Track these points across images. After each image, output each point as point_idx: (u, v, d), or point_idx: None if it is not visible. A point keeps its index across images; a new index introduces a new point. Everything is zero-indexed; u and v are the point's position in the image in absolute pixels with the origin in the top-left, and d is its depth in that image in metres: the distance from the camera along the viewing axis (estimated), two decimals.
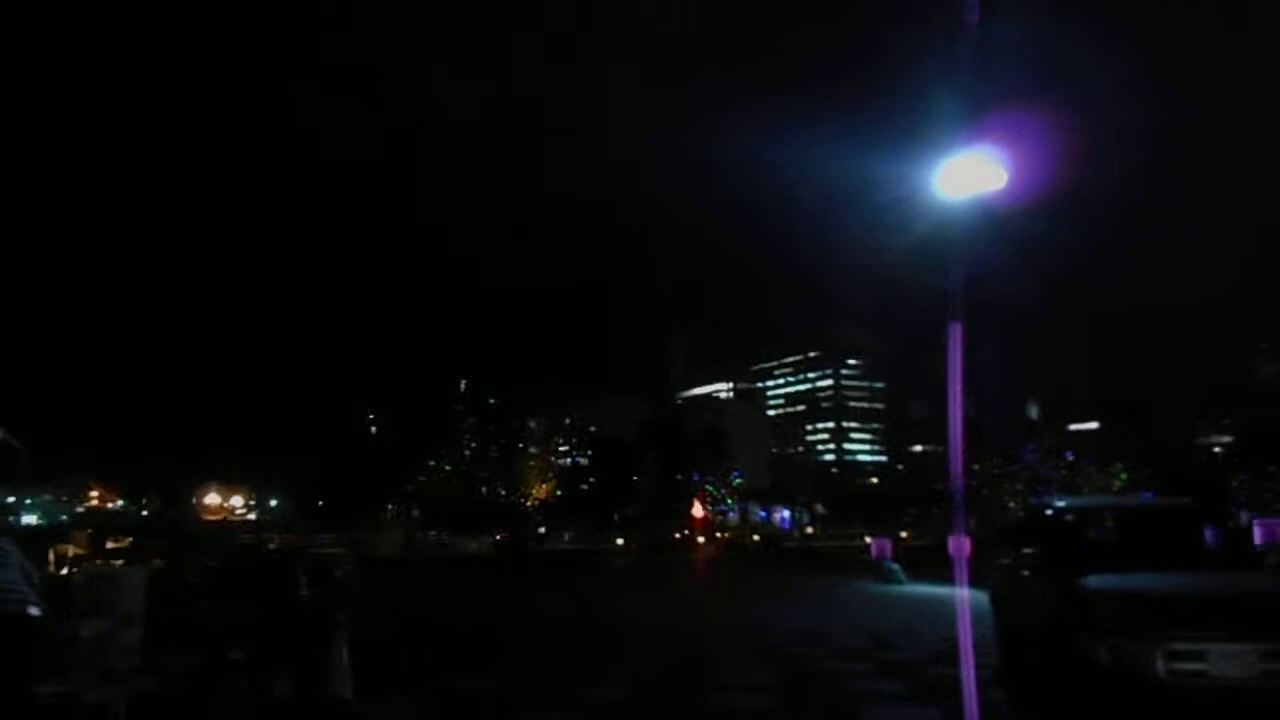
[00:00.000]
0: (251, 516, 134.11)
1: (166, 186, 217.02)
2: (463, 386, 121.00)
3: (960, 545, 34.61)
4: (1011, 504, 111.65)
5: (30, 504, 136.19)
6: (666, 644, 21.94)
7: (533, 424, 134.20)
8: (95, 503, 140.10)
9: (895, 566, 49.21)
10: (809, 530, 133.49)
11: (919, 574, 45.65)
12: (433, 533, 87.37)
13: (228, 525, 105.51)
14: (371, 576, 52.33)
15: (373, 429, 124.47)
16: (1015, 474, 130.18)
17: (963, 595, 10.73)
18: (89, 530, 79.44)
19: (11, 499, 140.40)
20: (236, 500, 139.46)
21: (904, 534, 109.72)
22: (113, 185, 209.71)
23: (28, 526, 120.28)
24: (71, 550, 63.29)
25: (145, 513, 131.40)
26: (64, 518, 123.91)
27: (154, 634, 11.35)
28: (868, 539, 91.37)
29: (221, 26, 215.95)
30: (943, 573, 36.21)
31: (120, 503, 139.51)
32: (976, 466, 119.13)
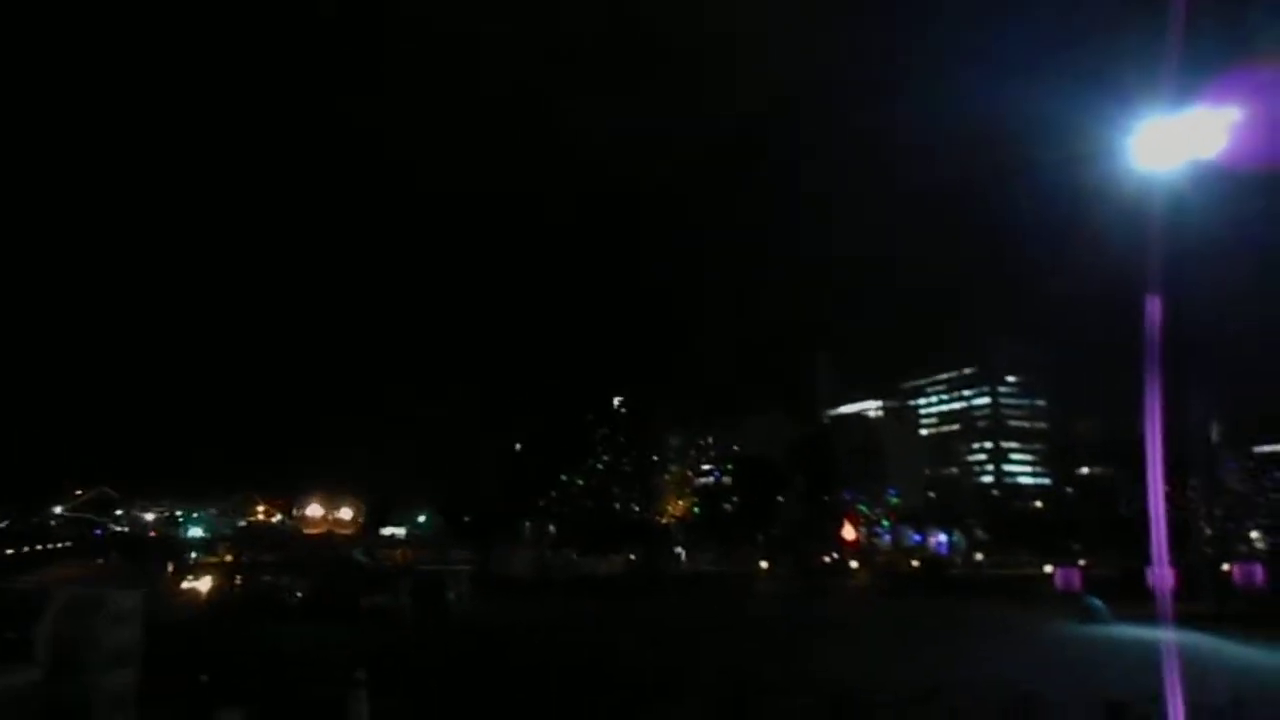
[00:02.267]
0: (400, 533, 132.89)
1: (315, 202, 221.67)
2: (614, 401, 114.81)
3: (1162, 578, 26.74)
4: (1208, 531, 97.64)
5: (196, 518, 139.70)
6: None
7: (673, 440, 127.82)
8: (260, 517, 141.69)
9: (1098, 604, 40.46)
10: (977, 557, 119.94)
11: (1117, 611, 37.45)
12: (562, 551, 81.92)
13: (331, 539, 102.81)
14: (491, 598, 47.15)
15: (515, 443, 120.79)
16: (1212, 499, 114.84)
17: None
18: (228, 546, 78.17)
19: (180, 512, 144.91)
20: (345, 512, 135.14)
21: (1082, 563, 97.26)
22: (264, 193, 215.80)
23: (189, 539, 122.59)
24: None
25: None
26: (226, 531, 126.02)
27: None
28: (1047, 568, 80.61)
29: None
30: (1144, 609, 28.70)
31: (278, 517, 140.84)
32: (1168, 488, 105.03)
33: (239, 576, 49.14)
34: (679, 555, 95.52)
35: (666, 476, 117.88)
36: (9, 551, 71.05)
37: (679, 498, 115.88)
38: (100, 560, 70.25)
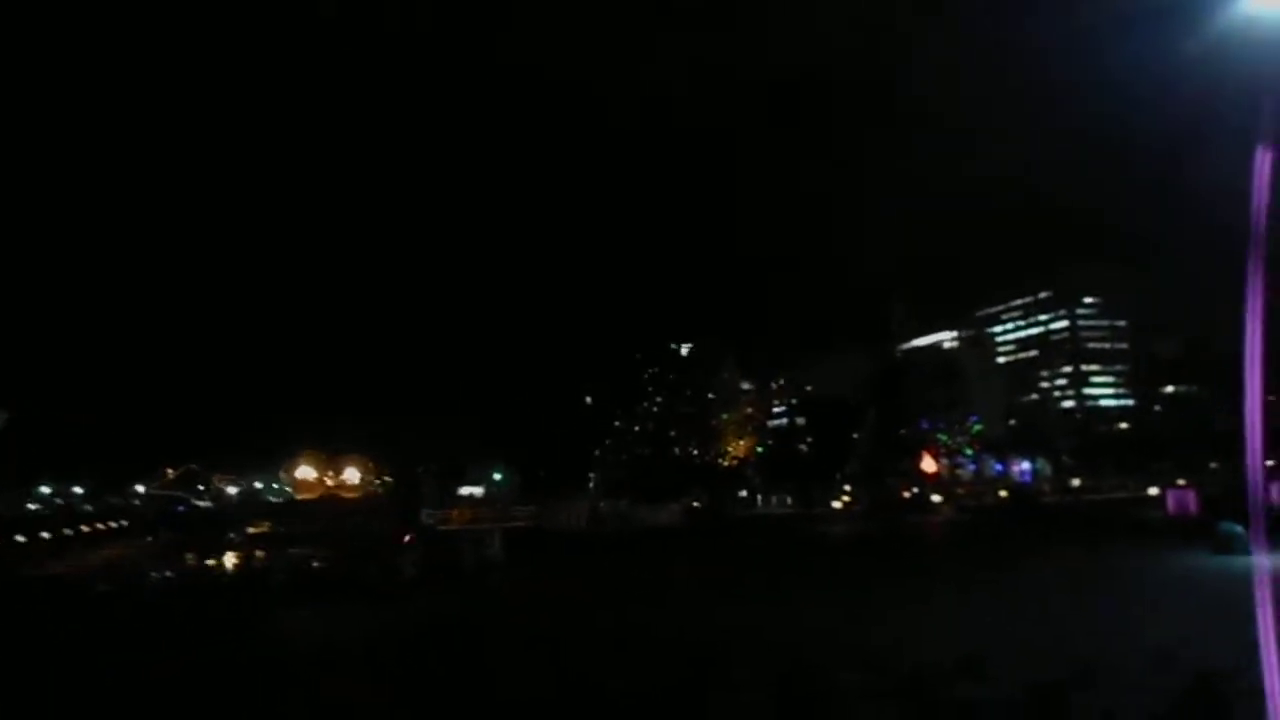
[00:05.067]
0: (478, 492, 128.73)
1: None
2: (670, 344, 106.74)
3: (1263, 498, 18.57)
4: None
5: (275, 488, 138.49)
6: None
7: (744, 384, 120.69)
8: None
9: (1237, 529, 32.63)
10: (1073, 483, 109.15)
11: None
12: (609, 503, 75.59)
13: (336, 501, 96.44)
14: (531, 557, 41.46)
15: (585, 395, 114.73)
16: None
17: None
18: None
19: (260, 484, 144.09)
20: (352, 473, 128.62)
21: (1181, 483, 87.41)
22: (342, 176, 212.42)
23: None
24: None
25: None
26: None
27: None
28: (1152, 490, 71.84)
29: None
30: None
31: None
32: (1273, 398, 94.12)
33: (261, 550, 44.37)
34: (745, 498, 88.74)
35: (725, 416, 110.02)
36: (45, 534, 68.15)
37: (740, 438, 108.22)
38: (150, 539, 66.86)
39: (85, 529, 77.77)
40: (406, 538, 44.82)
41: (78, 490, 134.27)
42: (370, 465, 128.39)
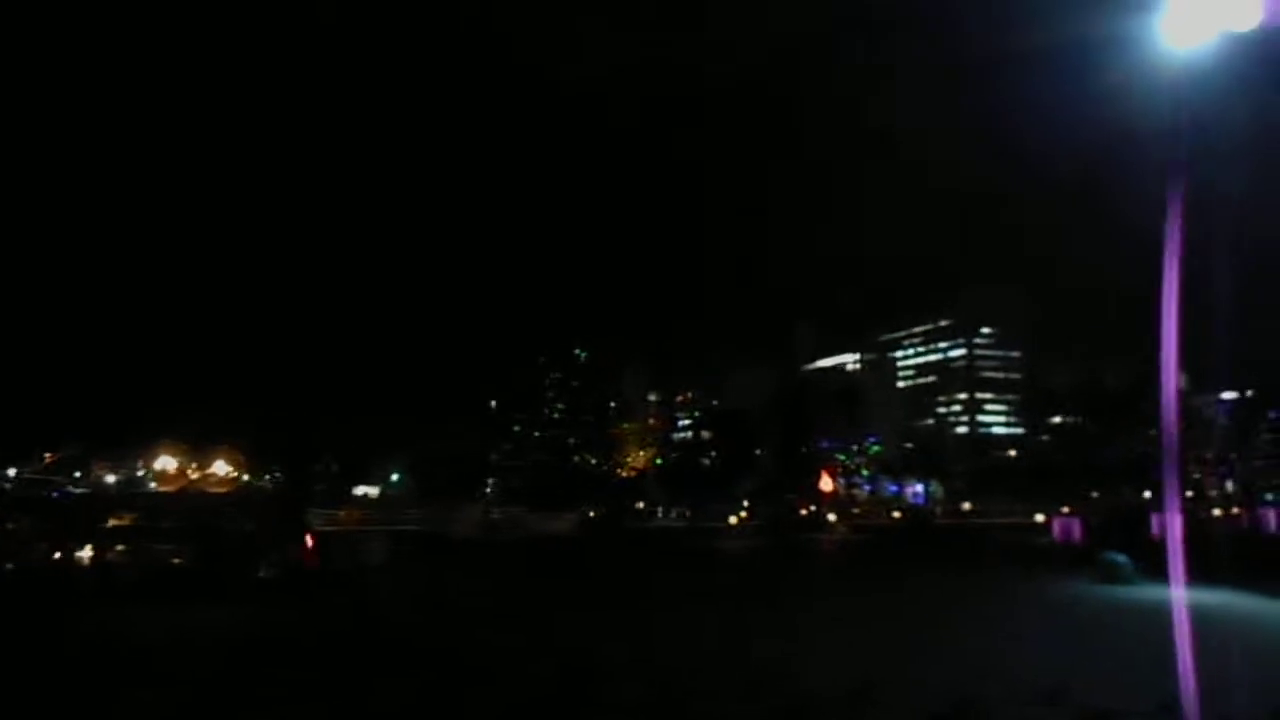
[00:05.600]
0: (373, 492, 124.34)
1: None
2: (574, 350, 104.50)
3: (1173, 525, 21.25)
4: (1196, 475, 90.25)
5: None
6: None
7: (651, 396, 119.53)
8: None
9: (1121, 559, 32.69)
10: (964, 506, 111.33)
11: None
12: (503, 510, 73.54)
13: (204, 496, 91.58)
14: (408, 563, 39.24)
15: (487, 397, 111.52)
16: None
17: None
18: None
19: (142, 472, 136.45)
20: (221, 466, 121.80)
21: (1065, 509, 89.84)
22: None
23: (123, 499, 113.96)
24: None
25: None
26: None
27: None
28: (1039, 516, 73.13)
29: None
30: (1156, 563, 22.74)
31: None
32: (1153, 432, 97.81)
33: (120, 544, 40.86)
34: (642, 510, 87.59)
35: (626, 426, 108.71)
36: None
37: (641, 449, 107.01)
38: (9, 525, 61.62)
39: None
40: (307, 539, 41.82)
41: None
42: (243, 459, 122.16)
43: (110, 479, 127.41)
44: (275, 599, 28.87)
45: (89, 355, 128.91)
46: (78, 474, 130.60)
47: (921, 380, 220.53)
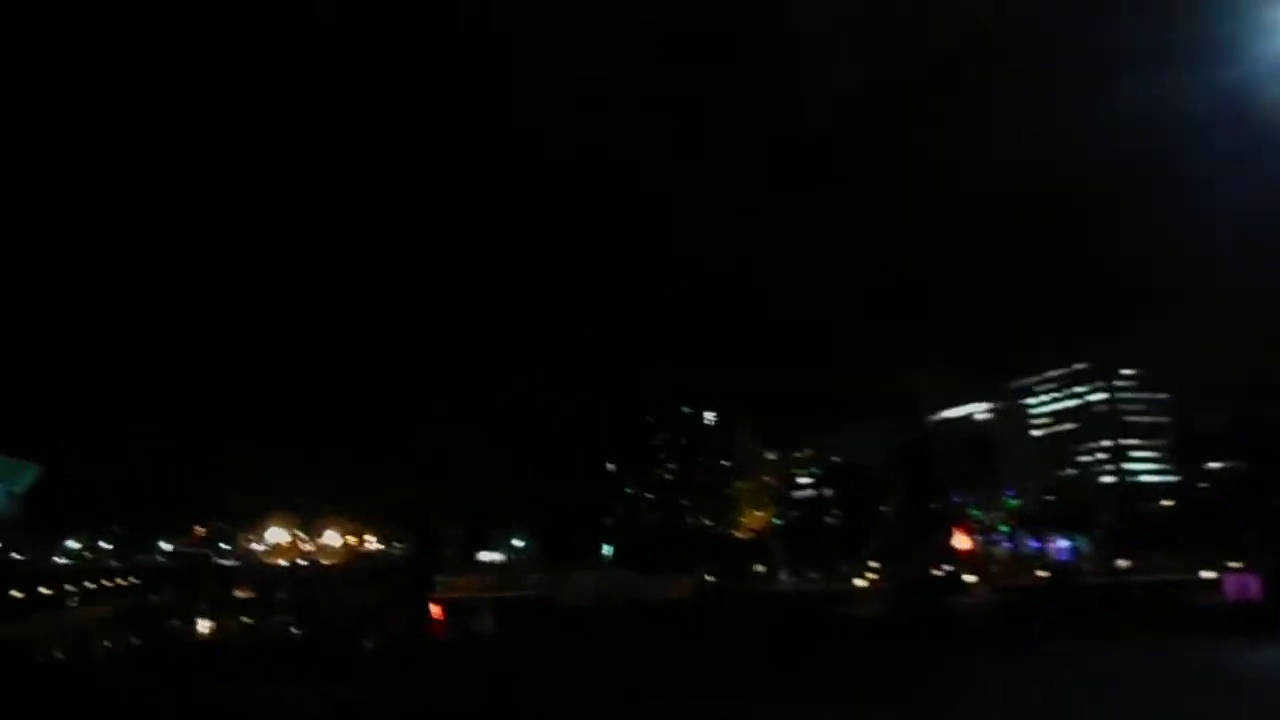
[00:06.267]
0: (498, 558, 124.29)
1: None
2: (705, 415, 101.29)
3: None
4: None
5: None
6: None
7: (768, 454, 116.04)
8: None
9: None
10: (1118, 564, 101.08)
11: None
12: (617, 574, 71.00)
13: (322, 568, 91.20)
14: (521, 630, 37.65)
15: (605, 459, 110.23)
16: None
17: None
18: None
19: None
20: (332, 536, 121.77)
21: (1238, 566, 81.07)
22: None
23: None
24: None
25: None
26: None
27: None
28: (1206, 573, 66.11)
29: None
30: None
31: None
32: None
33: (243, 616, 41.29)
34: (762, 572, 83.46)
35: (739, 485, 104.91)
36: (16, 594, 65.35)
37: (757, 509, 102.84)
38: (153, 597, 63.93)
39: (90, 585, 75.37)
40: (432, 609, 41.17)
41: (105, 545, 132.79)
42: (366, 528, 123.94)
43: (258, 548, 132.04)
44: (379, 675, 27.66)
45: (233, 435, 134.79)
46: (225, 546, 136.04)
47: (1059, 428, 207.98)
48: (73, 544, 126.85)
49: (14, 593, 63.70)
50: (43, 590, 69.20)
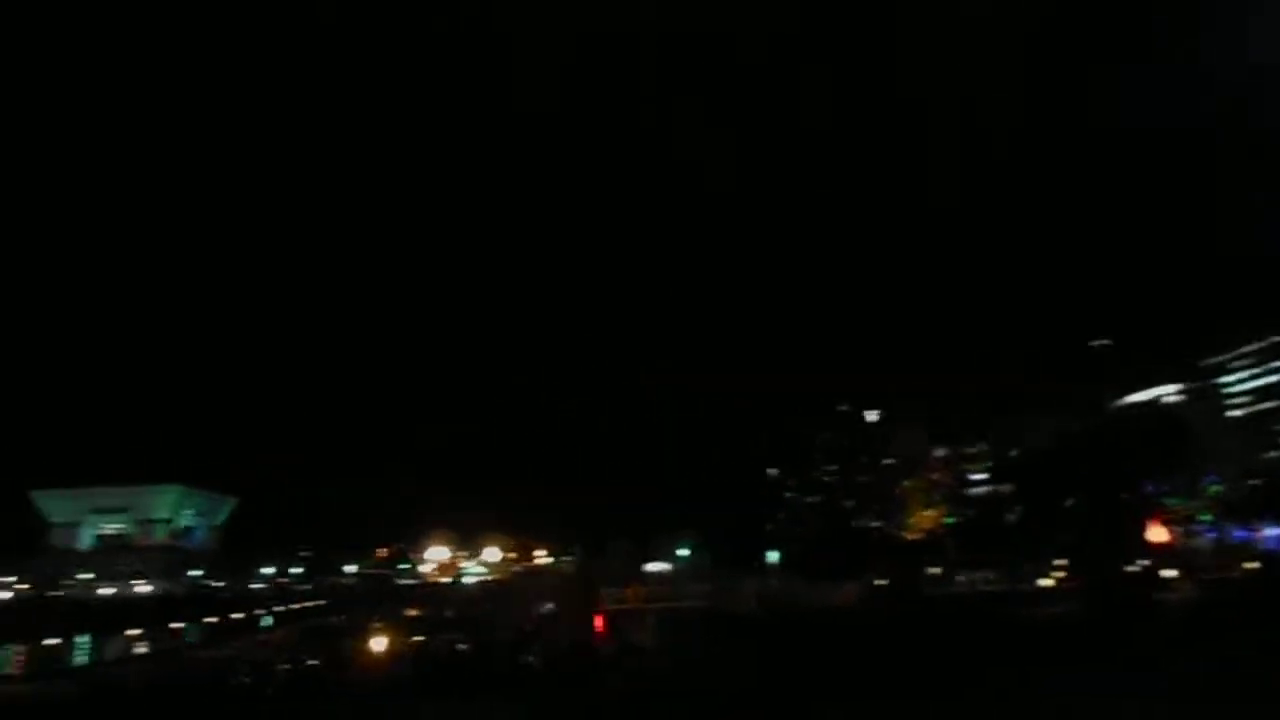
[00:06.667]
0: (665, 568, 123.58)
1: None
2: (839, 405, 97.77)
3: None
4: None
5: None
6: None
7: (937, 451, 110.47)
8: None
9: None
10: None
11: None
12: (781, 582, 68.33)
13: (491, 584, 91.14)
14: (683, 640, 36.31)
15: (765, 465, 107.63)
16: None
17: None
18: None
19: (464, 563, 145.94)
20: (491, 553, 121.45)
21: None
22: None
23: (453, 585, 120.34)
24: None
25: None
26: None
27: None
28: None
29: None
30: None
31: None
32: None
33: (415, 635, 41.85)
34: (938, 574, 78.50)
35: (908, 484, 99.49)
36: (212, 619, 69.11)
37: (927, 507, 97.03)
38: (338, 618, 66.52)
39: (279, 608, 79.56)
40: (597, 621, 40.76)
41: (295, 570, 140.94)
42: (516, 542, 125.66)
43: (426, 568, 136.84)
44: (540, 694, 27.03)
45: (403, 460, 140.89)
46: (404, 566, 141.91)
47: (1260, 406, 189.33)
48: (266, 570, 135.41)
49: (211, 618, 68.37)
50: (238, 615, 74.35)
